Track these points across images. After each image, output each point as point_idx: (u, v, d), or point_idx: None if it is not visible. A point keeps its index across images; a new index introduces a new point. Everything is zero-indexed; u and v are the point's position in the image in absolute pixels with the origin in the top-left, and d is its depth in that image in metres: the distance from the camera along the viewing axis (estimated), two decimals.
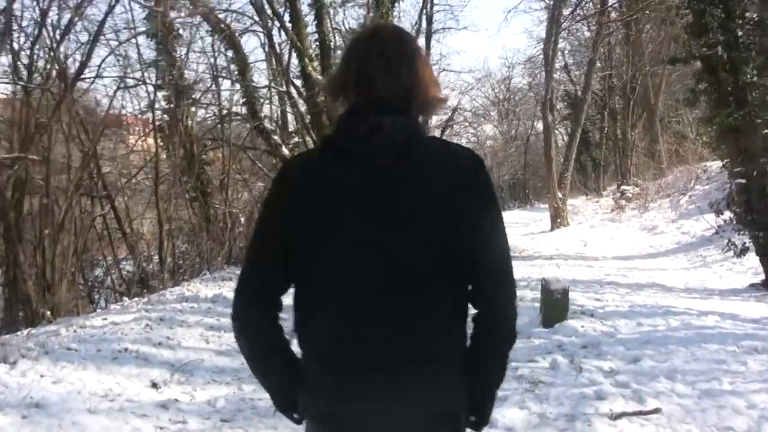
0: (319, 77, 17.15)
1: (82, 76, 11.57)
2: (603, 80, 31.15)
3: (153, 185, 12.75)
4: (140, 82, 13.99)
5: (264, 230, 1.93)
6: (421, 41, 34.06)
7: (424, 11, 26.98)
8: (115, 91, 13.46)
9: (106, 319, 7.73)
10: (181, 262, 13.79)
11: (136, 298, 9.61)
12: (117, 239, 14.22)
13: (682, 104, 26.25)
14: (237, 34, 19.09)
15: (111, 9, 11.25)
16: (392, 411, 1.82)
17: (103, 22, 11.35)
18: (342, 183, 1.83)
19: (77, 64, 11.66)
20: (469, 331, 1.93)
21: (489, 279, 1.88)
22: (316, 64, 17.44)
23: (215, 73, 18.05)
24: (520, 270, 12.62)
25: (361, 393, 1.83)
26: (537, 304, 7.70)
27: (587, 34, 32.30)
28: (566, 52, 34.70)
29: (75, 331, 7.07)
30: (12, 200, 9.32)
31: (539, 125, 51.30)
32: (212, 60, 18.32)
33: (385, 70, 1.87)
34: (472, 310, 1.93)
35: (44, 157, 9.77)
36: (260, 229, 1.95)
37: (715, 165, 22.47)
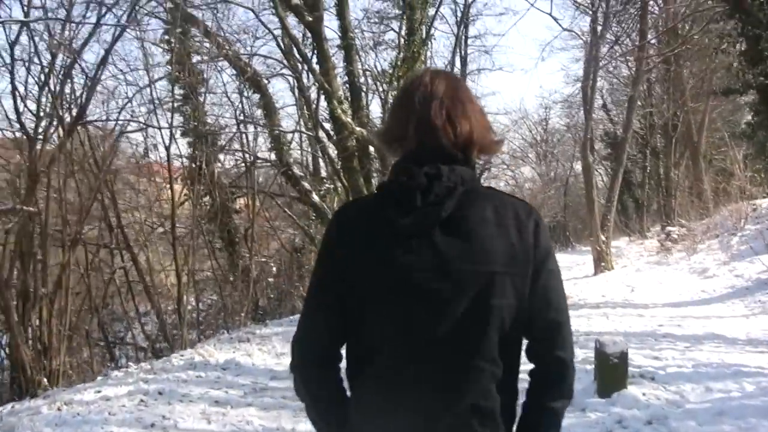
0: (350, 120, 16.55)
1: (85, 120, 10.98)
2: (644, 118, 30.24)
3: (171, 236, 12.08)
4: (157, 127, 13.38)
5: (318, 278, 1.94)
6: None
7: (458, 51, 26.18)
8: (120, 134, 12.87)
9: (99, 392, 7.02)
10: (203, 318, 13.10)
11: (141, 363, 8.90)
12: (139, 292, 13.61)
13: (730, 140, 25.28)
14: (264, 78, 18.69)
15: (111, 46, 10.67)
16: None
17: (102, 62, 10.75)
18: (397, 232, 1.79)
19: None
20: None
21: (549, 332, 1.88)
22: (345, 106, 16.84)
23: (241, 118, 17.50)
24: None
25: None
26: (588, 366, 6.82)
27: (625, 72, 31.63)
28: (605, 90, 33.99)
29: (59, 408, 6.34)
30: (11, 253, 8.67)
31: (578, 166, 50.92)
32: (239, 105, 17.86)
33: (445, 118, 1.85)
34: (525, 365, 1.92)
35: (38, 209, 9.10)
36: (315, 276, 1.95)
37: (766, 203, 21.49)
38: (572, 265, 28.08)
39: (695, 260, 19.45)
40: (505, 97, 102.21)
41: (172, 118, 12.26)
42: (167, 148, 13.09)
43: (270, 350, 9.20)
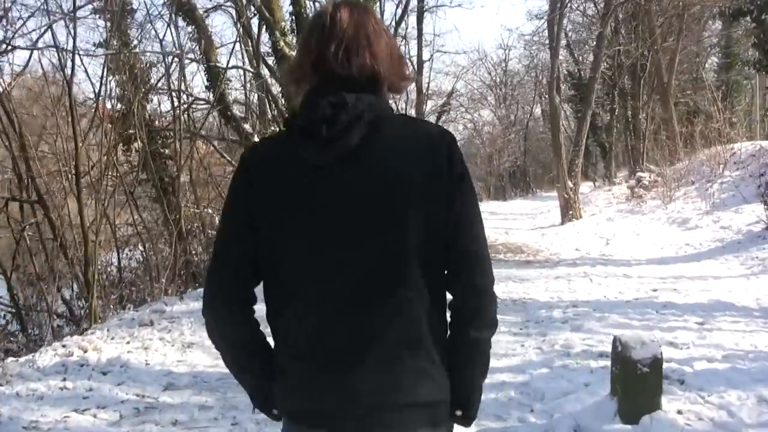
0: (294, 54, 14.61)
1: None
2: (611, 58, 28.60)
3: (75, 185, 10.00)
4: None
5: (228, 220, 1.90)
6: (412, 19, 31.96)
7: None
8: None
9: None
10: (123, 284, 11.23)
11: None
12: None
13: (707, 80, 23.82)
14: (203, 11, 16.79)
15: None
16: (368, 405, 1.77)
17: None
18: (307, 166, 1.77)
19: None
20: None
21: (465, 260, 1.84)
22: (290, 39, 14.95)
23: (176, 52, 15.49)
24: (544, 285, 10.25)
25: (337, 388, 1.77)
26: (596, 364, 5.21)
27: (590, 11, 30.16)
28: (568, 29, 32.33)
29: None
30: None
31: (537, 110, 50.18)
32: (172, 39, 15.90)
33: (344, 53, 1.81)
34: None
35: None
36: (224, 219, 1.91)
37: (746, 147, 20.04)
38: (535, 213, 26.80)
39: (673, 209, 18.01)
40: (464, 36, 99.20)
41: (75, 36, 10.12)
42: (63, 76, 10.92)
43: (175, 340, 7.07)
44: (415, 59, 32.73)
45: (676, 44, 26.88)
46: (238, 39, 16.38)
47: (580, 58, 34.90)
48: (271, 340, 1.91)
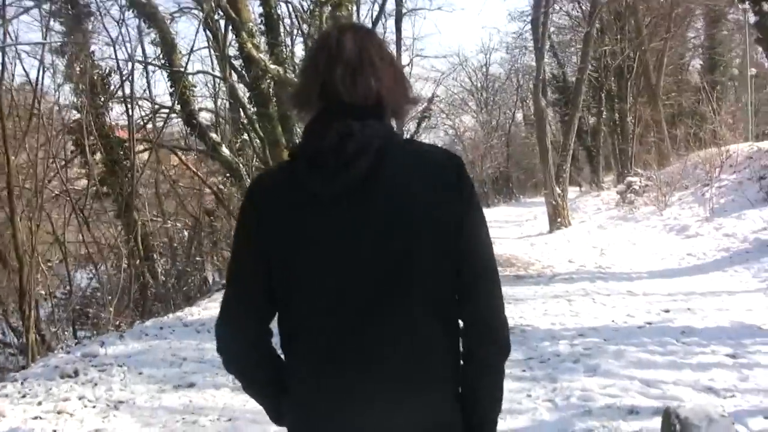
0: (262, 57, 13.62)
1: None
2: (597, 60, 27.75)
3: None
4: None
5: (239, 255, 1.89)
6: (390, 23, 31.06)
7: None
8: None
9: None
10: (71, 313, 10.03)
11: None
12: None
13: (703, 82, 23.00)
14: (168, 15, 15.79)
15: None
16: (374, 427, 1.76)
17: None
18: (313, 197, 1.73)
19: None
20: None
21: (476, 285, 1.81)
22: (259, 41, 13.91)
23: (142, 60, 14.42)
24: (542, 306, 9.09)
25: (345, 418, 1.76)
26: (629, 427, 4.13)
27: (574, 12, 29.47)
28: (551, 32, 31.56)
29: None
30: None
31: (519, 115, 49.48)
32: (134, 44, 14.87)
33: (350, 78, 1.77)
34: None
35: None
36: (235, 253, 1.90)
37: (742, 149, 19.09)
38: (521, 220, 25.88)
39: (669, 216, 17.04)
40: (444, 40, 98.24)
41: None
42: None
43: (99, 398, 5.52)
44: None
45: (663, 44, 26.08)
46: (208, 44, 15.38)
47: (564, 60, 34.11)
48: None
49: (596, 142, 30.94)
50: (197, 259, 13.39)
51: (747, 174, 17.13)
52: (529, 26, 23.61)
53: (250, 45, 13.23)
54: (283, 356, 1.87)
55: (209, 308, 10.15)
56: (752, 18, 14.10)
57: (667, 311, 8.30)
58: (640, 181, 22.21)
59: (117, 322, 9.04)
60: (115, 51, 13.56)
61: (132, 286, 10.05)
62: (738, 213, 14.50)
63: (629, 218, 18.80)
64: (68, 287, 11.05)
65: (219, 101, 19.40)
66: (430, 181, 1.76)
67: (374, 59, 1.82)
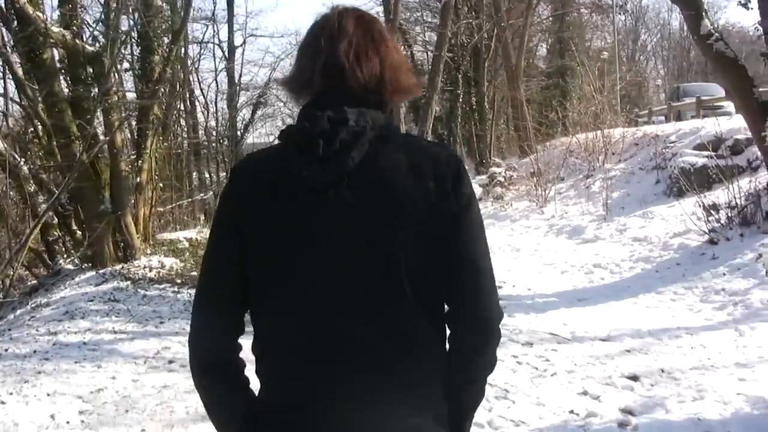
0: (40, 14, 10.03)
1: None
2: (453, 36, 25.22)
3: None
4: None
5: (217, 241, 1.70)
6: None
7: None
8: None
9: None
10: None
11: None
12: None
13: (580, 57, 20.76)
14: None
15: None
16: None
17: None
18: (301, 184, 1.58)
19: None
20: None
21: (470, 290, 1.66)
22: None
23: None
24: None
25: (325, 417, 1.61)
26: None
27: None
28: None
29: None
30: None
31: None
32: None
33: (354, 58, 1.63)
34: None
35: None
36: (212, 240, 1.71)
37: (629, 134, 16.76)
38: None
39: (553, 214, 14.45)
40: (280, 18, 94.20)
41: None
42: None
43: None
44: (225, 45, 29.80)
45: (525, 21, 23.78)
46: None
47: (411, 40, 31.60)
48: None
49: (455, 128, 28.52)
50: None
51: (637, 163, 14.77)
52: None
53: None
54: (255, 356, 1.68)
55: None
56: None
57: (633, 378, 5.35)
58: (504, 172, 19.82)
59: None
60: None
61: None
62: (641, 211, 12.08)
63: (502, 216, 16.09)
64: None
65: None
66: (426, 177, 1.61)
67: (376, 39, 1.69)
